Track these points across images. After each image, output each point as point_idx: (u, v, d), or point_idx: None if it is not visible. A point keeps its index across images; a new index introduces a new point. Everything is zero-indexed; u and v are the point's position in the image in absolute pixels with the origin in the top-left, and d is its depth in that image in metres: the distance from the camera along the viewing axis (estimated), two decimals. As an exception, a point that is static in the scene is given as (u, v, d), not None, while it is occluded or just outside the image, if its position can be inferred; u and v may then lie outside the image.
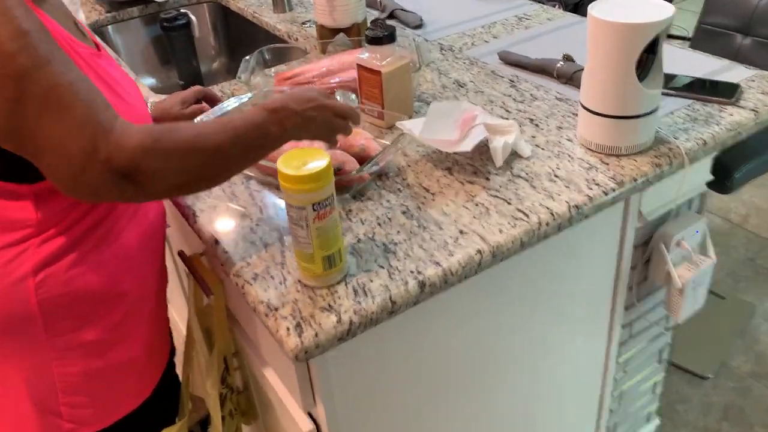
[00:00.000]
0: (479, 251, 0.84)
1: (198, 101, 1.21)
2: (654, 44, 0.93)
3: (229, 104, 1.16)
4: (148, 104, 1.16)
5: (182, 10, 1.83)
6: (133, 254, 0.87)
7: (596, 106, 0.97)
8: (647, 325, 1.23)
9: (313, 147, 0.76)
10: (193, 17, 1.85)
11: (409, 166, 1.02)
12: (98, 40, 0.92)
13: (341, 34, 1.46)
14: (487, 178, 0.98)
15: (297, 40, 1.57)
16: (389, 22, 1.57)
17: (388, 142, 1.08)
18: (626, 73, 0.93)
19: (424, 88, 1.26)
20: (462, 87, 1.25)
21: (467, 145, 0.95)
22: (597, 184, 0.94)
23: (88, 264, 0.81)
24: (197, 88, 1.22)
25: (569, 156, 1.01)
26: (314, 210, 0.74)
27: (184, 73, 1.94)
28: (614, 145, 0.99)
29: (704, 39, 1.83)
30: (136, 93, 0.88)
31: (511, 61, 1.31)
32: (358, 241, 0.87)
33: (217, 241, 0.90)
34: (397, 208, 0.93)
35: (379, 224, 0.90)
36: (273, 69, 1.38)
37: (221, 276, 1.01)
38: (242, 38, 1.93)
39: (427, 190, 0.96)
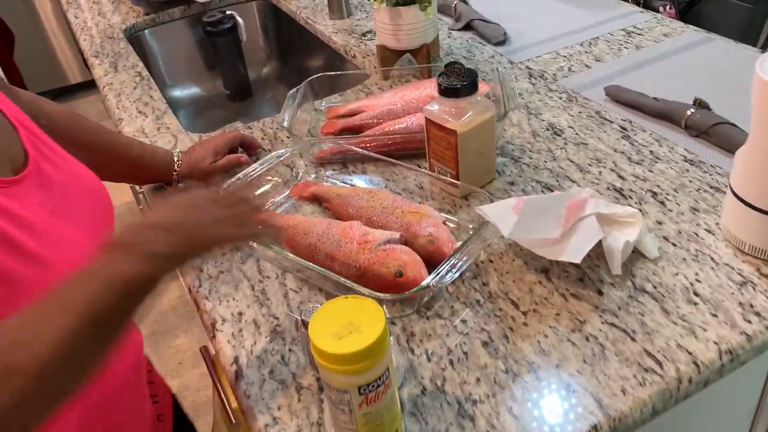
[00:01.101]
0: (594, 427, 0.59)
1: (234, 150, 1.00)
2: None
3: (267, 162, 0.93)
4: (175, 155, 0.95)
5: (228, 12, 1.62)
6: None
7: (758, 199, 0.70)
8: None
9: (363, 297, 0.52)
10: (239, 19, 1.63)
11: (491, 261, 0.78)
12: (39, 149, 0.64)
13: (407, 55, 1.21)
14: (600, 291, 0.72)
15: (355, 57, 1.32)
16: (466, 35, 1.31)
17: (463, 222, 0.84)
18: (812, 162, 0.65)
19: (509, 135, 1.00)
20: (558, 135, 0.99)
21: (575, 254, 0.70)
22: (756, 314, 0.68)
23: None
24: (232, 134, 1.00)
25: (712, 260, 0.74)
26: (360, 394, 0.51)
27: (230, 80, 1.73)
28: (780, 251, 0.72)
29: None
30: (60, 232, 0.59)
31: (622, 100, 1.03)
32: (423, 391, 0.64)
33: (238, 375, 0.69)
34: (476, 335, 0.69)
35: (452, 362, 0.67)
36: (324, 101, 1.15)
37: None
38: (296, 41, 1.70)
39: (517, 306, 0.72)
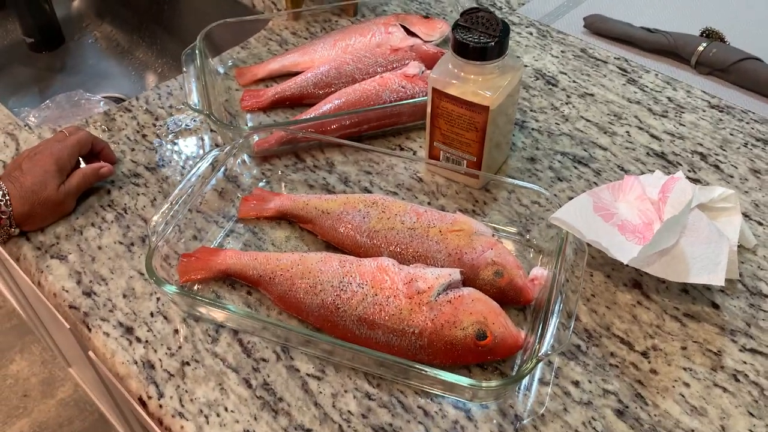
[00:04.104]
0: None
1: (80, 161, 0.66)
2: None
3: (194, 175, 0.62)
4: None
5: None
6: None
7: None
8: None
9: None
10: (34, -62, 1.17)
11: (566, 279, 0.59)
12: None
13: (321, -14, 0.92)
14: (714, 303, 0.57)
15: (236, -11, 0.99)
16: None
17: (501, 226, 0.63)
18: None
19: (494, 90, 0.79)
20: (554, 85, 0.79)
21: (711, 270, 0.52)
22: None
23: None
24: (76, 136, 0.65)
25: (813, 239, 0.62)
26: None
27: (30, 23, 1.27)
28: None
29: None
30: None
31: (609, 33, 0.85)
32: None
33: None
34: (602, 401, 0.51)
35: (593, 454, 0.48)
36: (223, 60, 0.83)
37: None
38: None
39: (631, 347, 0.54)
